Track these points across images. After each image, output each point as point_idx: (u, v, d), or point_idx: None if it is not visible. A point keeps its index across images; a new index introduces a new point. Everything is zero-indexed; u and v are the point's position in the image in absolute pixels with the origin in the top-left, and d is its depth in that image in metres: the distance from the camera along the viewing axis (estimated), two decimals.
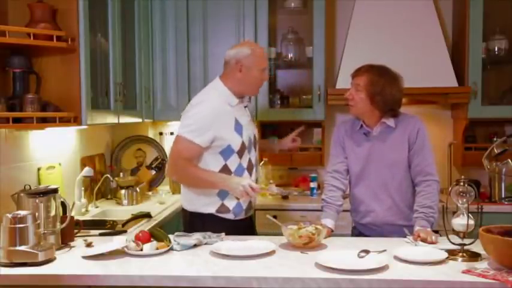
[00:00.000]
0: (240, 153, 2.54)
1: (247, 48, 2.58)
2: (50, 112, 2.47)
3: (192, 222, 2.62)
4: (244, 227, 2.61)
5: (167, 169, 2.61)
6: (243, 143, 2.53)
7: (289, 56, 3.90)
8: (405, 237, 2.36)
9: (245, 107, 2.65)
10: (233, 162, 2.53)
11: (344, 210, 2.65)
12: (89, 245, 2.24)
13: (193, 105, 2.56)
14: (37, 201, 2.17)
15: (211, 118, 2.47)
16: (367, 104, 2.48)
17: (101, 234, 2.46)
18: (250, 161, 2.60)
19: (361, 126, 2.57)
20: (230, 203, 2.56)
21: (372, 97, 2.46)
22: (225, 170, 2.52)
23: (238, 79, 2.56)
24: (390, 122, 2.52)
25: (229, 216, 2.57)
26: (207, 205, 2.57)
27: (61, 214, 2.27)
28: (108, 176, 3.32)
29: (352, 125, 2.61)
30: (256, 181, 2.70)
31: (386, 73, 2.50)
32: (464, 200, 2.12)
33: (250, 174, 2.60)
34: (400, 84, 2.51)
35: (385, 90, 2.45)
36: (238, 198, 2.54)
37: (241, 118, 2.58)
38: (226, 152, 2.52)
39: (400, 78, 2.52)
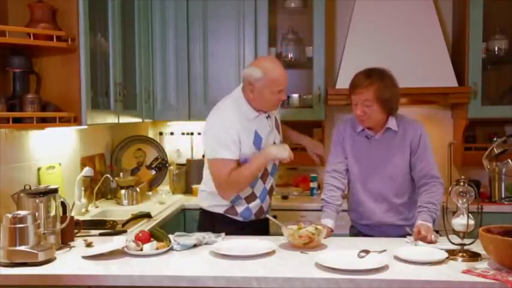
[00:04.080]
0: None
1: (259, 71, 2.46)
2: (50, 112, 2.47)
3: (202, 220, 2.70)
4: (256, 228, 2.60)
5: (221, 192, 2.54)
6: None
7: (289, 56, 3.89)
8: (405, 237, 2.36)
9: (267, 117, 2.59)
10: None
11: (343, 210, 2.65)
12: (89, 245, 2.24)
13: (214, 121, 2.53)
14: (37, 201, 2.17)
15: (233, 131, 2.46)
16: (381, 113, 2.45)
17: (101, 234, 2.47)
18: (266, 169, 2.59)
19: (363, 129, 2.55)
20: (239, 207, 2.59)
21: (383, 105, 2.43)
22: None
23: (252, 99, 2.52)
24: (393, 125, 2.51)
25: (238, 218, 2.60)
26: (216, 206, 2.62)
27: (61, 214, 2.27)
28: (108, 176, 3.32)
29: (352, 126, 2.59)
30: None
31: (383, 75, 2.46)
32: (464, 200, 2.12)
33: (264, 181, 2.61)
34: (395, 79, 2.50)
35: (392, 92, 2.44)
36: (248, 203, 2.59)
37: (261, 129, 2.56)
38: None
39: (391, 72, 2.50)
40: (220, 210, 2.61)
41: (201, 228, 2.61)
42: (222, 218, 2.60)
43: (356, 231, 2.66)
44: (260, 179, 2.59)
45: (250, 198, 2.59)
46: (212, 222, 2.60)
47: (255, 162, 2.50)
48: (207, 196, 2.66)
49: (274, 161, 2.63)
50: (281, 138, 2.72)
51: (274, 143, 2.62)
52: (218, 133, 2.48)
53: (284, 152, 2.50)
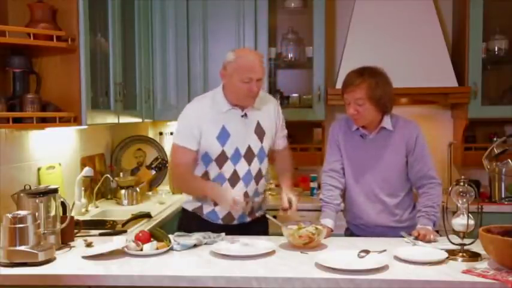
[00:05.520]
0: (219, 162, 2.46)
1: (233, 54, 2.45)
2: (50, 112, 2.47)
3: (180, 217, 2.70)
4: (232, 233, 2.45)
5: (172, 179, 2.61)
6: (223, 152, 2.45)
7: (289, 56, 3.89)
8: (403, 237, 2.36)
9: (242, 116, 2.49)
10: (212, 170, 2.49)
11: (342, 210, 2.65)
12: (89, 245, 2.24)
13: (183, 110, 2.54)
14: (37, 201, 2.16)
15: (194, 121, 2.44)
16: (374, 111, 2.44)
17: (101, 234, 2.46)
18: (236, 172, 2.47)
19: (358, 127, 2.54)
20: (206, 208, 2.55)
21: (376, 103, 2.41)
22: (206, 176, 2.51)
23: (225, 86, 2.50)
24: (388, 125, 2.50)
25: (205, 218, 2.55)
26: (187, 202, 2.61)
27: (61, 214, 2.27)
28: (108, 176, 3.32)
29: (347, 124, 2.57)
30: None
31: (375, 73, 2.44)
32: (464, 200, 2.12)
33: (234, 186, 2.47)
34: (388, 77, 2.48)
35: (385, 90, 2.42)
36: (214, 205, 2.52)
37: (231, 126, 2.46)
38: (205, 159, 2.48)
39: (384, 70, 2.49)
40: (190, 207, 2.59)
41: (178, 225, 2.63)
42: (193, 216, 2.58)
43: (349, 233, 2.65)
44: (227, 181, 2.48)
45: None
46: (186, 220, 2.60)
47: (205, 189, 2.47)
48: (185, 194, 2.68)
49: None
50: (263, 146, 2.53)
51: (249, 147, 2.49)
52: (182, 122, 2.50)
53: (225, 204, 2.39)
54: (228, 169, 2.47)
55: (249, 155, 2.50)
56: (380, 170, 2.50)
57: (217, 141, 2.45)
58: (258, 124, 2.54)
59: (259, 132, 2.54)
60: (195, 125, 2.45)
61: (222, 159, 2.46)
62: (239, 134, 2.48)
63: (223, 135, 2.46)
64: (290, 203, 2.46)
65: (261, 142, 2.54)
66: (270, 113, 2.60)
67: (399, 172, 2.51)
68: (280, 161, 2.75)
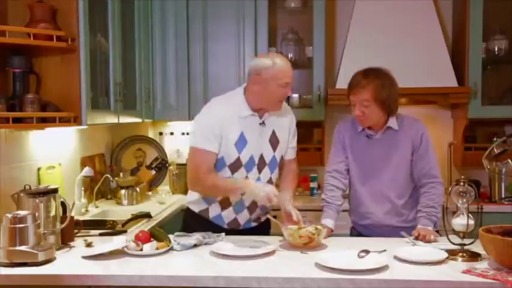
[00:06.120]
0: (233, 169, 2.43)
1: (268, 59, 2.40)
2: (50, 112, 2.47)
3: (185, 217, 2.68)
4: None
5: (189, 183, 2.51)
6: (238, 159, 2.42)
7: (289, 56, 3.89)
8: (403, 237, 2.36)
9: (260, 123, 2.46)
10: (224, 175, 2.45)
11: (344, 210, 2.64)
12: (89, 245, 2.24)
13: (202, 111, 2.49)
14: (37, 201, 2.16)
15: (216, 122, 2.39)
16: (379, 113, 2.43)
17: (101, 234, 2.46)
18: (247, 179, 2.45)
19: (364, 128, 2.53)
20: (212, 211, 2.52)
21: (381, 105, 2.40)
22: None
23: (255, 92, 2.41)
24: (394, 124, 2.50)
25: (212, 221, 2.53)
26: (193, 203, 2.58)
27: (61, 214, 2.27)
28: (108, 176, 3.32)
29: (353, 125, 2.57)
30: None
31: (381, 74, 2.44)
32: (464, 200, 2.12)
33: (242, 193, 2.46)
34: (394, 78, 2.48)
35: (390, 91, 2.42)
36: (221, 209, 2.50)
37: (249, 133, 2.43)
38: (219, 164, 2.44)
39: (390, 71, 2.48)
40: (196, 209, 2.56)
41: (183, 225, 2.61)
42: (199, 218, 2.55)
43: (356, 233, 2.65)
44: None
45: (224, 205, 2.49)
46: (192, 221, 2.57)
47: (236, 184, 2.41)
48: (189, 192, 2.63)
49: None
50: (275, 155, 2.52)
51: (262, 155, 2.47)
52: (202, 124, 2.44)
53: (262, 199, 2.37)
54: (239, 175, 2.45)
55: (261, 164, 2.48)
56: (388, 170, 2.50)
57: (235, 148, 2.42)
58: (273, 133, 2.52)
59: (274, 141, 2.52)
60: (217, 126, 2.39)
61: (236, 165, 2.44)
62: (255, 142, 2.46)
63: (241, 142, 2.43)
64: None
65: (274, 151, 2.52)
66: (286, 123, 2.59)
67: (406, 172, 2.51)
68: (285, 176, 2.66)
